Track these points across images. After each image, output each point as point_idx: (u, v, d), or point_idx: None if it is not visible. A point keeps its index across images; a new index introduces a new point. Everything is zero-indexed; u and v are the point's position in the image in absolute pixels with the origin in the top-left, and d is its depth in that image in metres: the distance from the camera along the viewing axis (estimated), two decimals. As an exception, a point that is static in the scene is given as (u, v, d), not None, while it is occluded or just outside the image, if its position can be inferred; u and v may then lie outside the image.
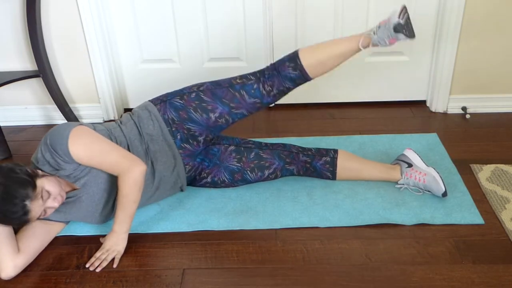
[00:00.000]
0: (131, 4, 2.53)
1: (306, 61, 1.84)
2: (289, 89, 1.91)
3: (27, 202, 1.58)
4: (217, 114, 1.90)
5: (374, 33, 1.82)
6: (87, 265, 1.74)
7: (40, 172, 1.70)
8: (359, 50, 1.85)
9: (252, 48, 2.62)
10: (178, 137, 1.91)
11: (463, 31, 2.45)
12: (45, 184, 1.65)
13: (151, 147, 1.88)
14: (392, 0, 2.46)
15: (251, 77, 1.91)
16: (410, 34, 1.78)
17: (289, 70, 1.86)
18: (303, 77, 1.87)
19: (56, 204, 1.66)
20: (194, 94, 1.90)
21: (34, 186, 1.60)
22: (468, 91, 2.62)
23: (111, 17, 2.56)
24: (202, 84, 1.94)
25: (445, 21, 2.44)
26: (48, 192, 1.64)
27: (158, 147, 1.89)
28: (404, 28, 1.77)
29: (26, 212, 1.58)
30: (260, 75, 1.90)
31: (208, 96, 1.89)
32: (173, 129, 1.90)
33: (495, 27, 2.44)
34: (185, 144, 1.93)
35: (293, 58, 1.86)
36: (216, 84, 1.92)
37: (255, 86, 1.89)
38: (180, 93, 1.93)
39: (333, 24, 2.55)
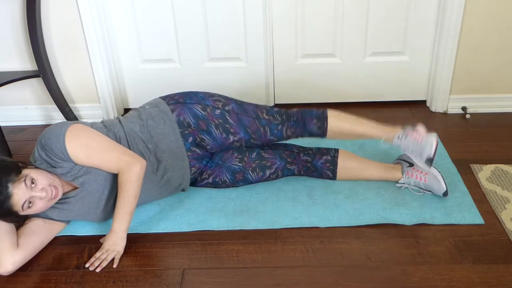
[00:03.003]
0: (131, 4, 2.53)
1: (331, 125, 1.97)
2: (302, 138, 2.02)
3: (9, 185, 1.58)
4: (236, 138, 1.93)
5: (399, 138, 1.96)
6: (87, 265, 1.74)
7: (33, 166, 1.71)
8: (380, 139, 1.99)
9: (252, 48, 2.62)
10: (189, 140, 1.91)
11: (463, 31, 2.45)
12: (32, 172, 1.65)
13: (159, 146, 1.88)
14: (391, 0, 2.47)
15: (277, 117, 1.97)
16: (430, 165, 1.95)
17: (314, 128, 1.97)
18: (320, 135, 1.99)
19: (43, 194, 1.64)
20: (219, 111, 1.91)
21: (18, 172, 1.62)
22: (468, 91, 2.62)
23: (111, 17, 2.56)
24: (227, 103, 1.94)
25: (445, 21, 2.44)
26: (33, 179, 1.64)
27: (167, 147, 1.89)
28: (431, 161, 1.93)
29: (8, 195, 1.58)
30: (286, 119, 1.97)
31: (234, 120, 1.92)
32: (186, 132, 1.90)
33: (495, 27, 2.44)
34: (194, 148, 1.93)
35: (322, 118, 1.96)
36: (243, 110, 1.94)
37: (279, 127, 1.96)
38: (202, 103, 1.92)
39: (333, 24, 2.55)
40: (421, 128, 1.97)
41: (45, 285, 1.69)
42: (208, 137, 1.91)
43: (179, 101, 1.93)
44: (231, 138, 1.93)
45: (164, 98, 1.97)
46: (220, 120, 1.91)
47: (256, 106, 1.99)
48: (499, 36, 2.47)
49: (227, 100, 1.96)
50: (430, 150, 1.92)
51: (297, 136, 2.00)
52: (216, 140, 1.92)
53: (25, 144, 2.57)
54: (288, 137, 2.00)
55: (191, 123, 1.90)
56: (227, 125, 1.91)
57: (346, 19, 2.53)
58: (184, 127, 1.90)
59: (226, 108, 1.93)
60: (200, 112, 1.90)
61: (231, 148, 1.99)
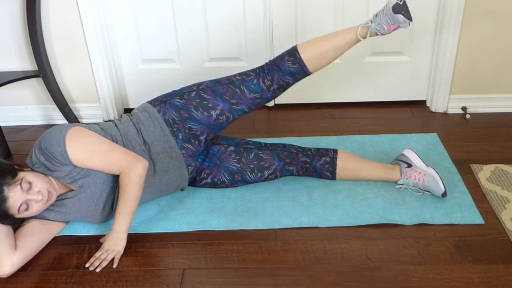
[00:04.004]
0: (131, 4, 2.53)
1: (305, 54, 1.86)
2: (288, 84, 1.93)
3: (5, 188, 1.58)
4: (218, 111, 1.91)
5: (371, 21, 1.85)
6: (87, 265, 1.74)
7: (29, 169, 1.71)
8: (358, 40, 1.88)
9: (252, 48, 2.62)
10: (180, 137, 1.91)
11: (463, 31, 2.45)
12: (28, 175, 1.65)
13: (152, 149, 1.88)
14: (392, 0, 2.47)
15: (250, 73, 1.93)
16: (408, 16, 1.80)
17: (289, 64, 1.87)
18: (302, 71, 1.89)
19: (39, 197, 1.64)
20: (194, 93, 1.91)
21: (14, 175, 1.62)
22: (468, 91, 2.62)
23: (111, 17, 2.56)
24: (201, 83, 1.95)
25: (445, 21, 2.44)
26: (29, 182, 1.63)
27: (160, 149, 1.89)
28: (403, 9, 1.79)
29: (3, 198, 1.58)
30: (260, 71, 1.92)
31: (209, 94, 1.90)
32: (174, 129, 1.91)
33: (495, 27, 2.44)
34: (186, 144, 1.93)
35: (292, 52, 1.88)
36: (216, 81, 1.94)
37: (255, 81, 1.90)
38: (180, 93, 1.93)
39: (333, 23, 2.55)
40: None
41: (45, 285, 1.69)
42: (193, 123, 1.91)
43: (163, 100, 1.95)
44: (213, 113, 1.91)
45: (150, 101, 1.98)
46: (197, 100, 1.90)
47: (232, 74, 1.96)
48: (499, 36, 2.47)
49: (203, 81, 1.96)
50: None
51: (279, 84, 1.90)
52: (201, 122, 1.91)
53: (25, 144, 2.57)
54: (269, 88, 1.91)
55: (175, 117, 1.90)
56: (204, 102, 1.90)
57: (346, 19, 2.53)
58: (171, 125, 1.90)
59: (201, 87, 1.93)
60: (179, 102, 1.91)
61: (222, 126, 1.97)
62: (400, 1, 1.79)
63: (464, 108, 2.62)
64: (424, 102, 2.75)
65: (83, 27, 2.49)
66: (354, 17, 2.52)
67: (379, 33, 1.85)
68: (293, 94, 2.75)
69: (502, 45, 2.49)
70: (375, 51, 2.62)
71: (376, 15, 1.85)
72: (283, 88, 1.93)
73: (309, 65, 1.88)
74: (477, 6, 2.39)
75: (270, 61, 1.94)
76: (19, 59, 2.60)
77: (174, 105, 1.91)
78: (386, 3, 1.82)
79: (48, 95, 2.60)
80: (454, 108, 2.65)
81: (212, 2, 2.50)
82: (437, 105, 2.66)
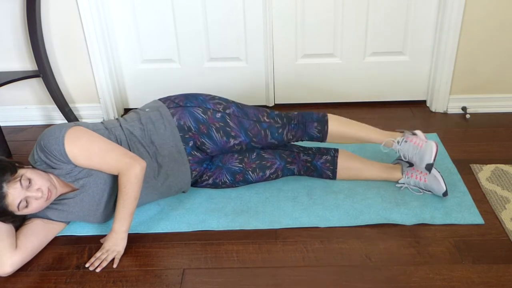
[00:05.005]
0: (131, 4, 2.53)
1: (331, 129, 1.98)
2: (302, 141, 2.03)
3: (4, 185, 1.58)
4: (237, 142, 1.93)
5: (398, 143, 1.96)
6: (87, 265, 1.74)
7: (30, 166, 1.71)
8: (379, 143, 1.99)
9: (252, 48, 2.62)
10: (190, 144, 1.91)
11: (463, 31, 2.45)
12: (28, 172, 1.65)
13: (160, 151, 1.87)
14: (391, 0, 2.47)
15: (278, 120, 1.96)
16: (429, 172, 1.93)
17: (314, 131, 1.97)
18: (320, 139, 1.99)
19: (39, 194, 1.64)
20: (220, 114, 1.90)
21: (13, 171, 1.62)
22: (468, 91, 2.62)
23: (111, 17, 2.56)
24: (228, 105, 1.93)
25: (445, 21, 2.44)
26: (29, 179, 1.63)
27: (167, 153, 1.88)
28: (430, 168, 1.91)
29: (2, 195, 1.58)
30: (287, 122, 1.97)
31: (234, 123, 1.91)
32: (186, 136, 1.90)
33: (495, 27, 2.44)
34: (195, 152, 1.93)
35: (322, 122, 1.97)
36: (244, 113, 1.93)
37: (280, 130, 1.95)
38: (203, 106, 1.91)
39: (333, 23, 2.55)
40: (420, 133, 1.98)
41: (45, 285, 1.69)
42: (208, 141, 1.91)
43: (180, 104, 1.92)
44: (232, 141, 1.92)
45: (164, 101, 1.96)
46: (221, 123, 1.90)
47: (257, 109, 1.98)
48: (499, 36, 2.47)
49: (228, 103, 1.95)
50: (430, 156, 1.90)
51: (297, 140, 2.00)
52: (216, 144, 1.92)
53: (25, 144, 2.57)
54: (289, 140, 2.00)
55: (192, 127, 1.89)
56: (228, 128, 1.90)
57: (346, 19, 2.53)
58: (184, 131, 1.89)
59: (227, 111, 1.92)
60: (201, 116, 1.89)
61: (231, 151, 1.99)
62: (433, 163, 1.89)
63: (464, 108, 2.62)
64: (424, 102, 2.75)
65: (83, 27, 2.49)
66: (354, 18, 2.52)
67: (395, 151, 1.98)
68: (293, 94, 2.76)
69: (502, 45, 2.49)
70: (375, 51, 2.62)
71: (405, 141, 1.94)
72: (296, 141, 2.02)
73: (329, 138, 1.99)
74: (477, 6, 2.39)
75: (298, 116, 1.99)
76: (19, 59, 2.60)
77: (194, 116, 1.89)
78: (423, 147, 1.90)
79: (48, 95, 2.60)
80: (454, 108, 2.65)
81: (212, 2, 2.50)
82: (437, 105, 2.66)
